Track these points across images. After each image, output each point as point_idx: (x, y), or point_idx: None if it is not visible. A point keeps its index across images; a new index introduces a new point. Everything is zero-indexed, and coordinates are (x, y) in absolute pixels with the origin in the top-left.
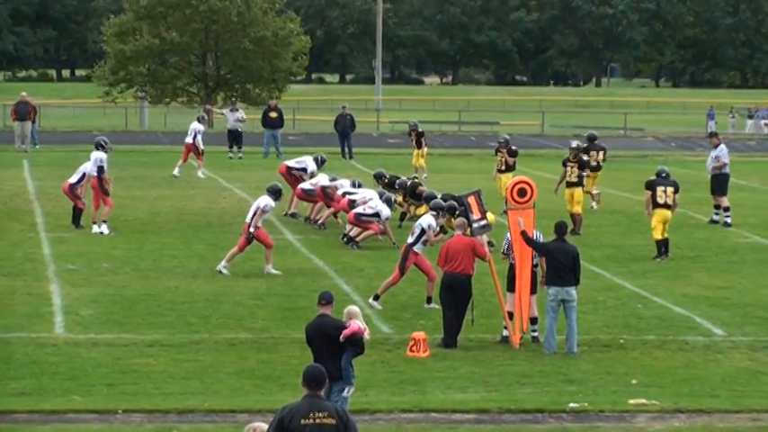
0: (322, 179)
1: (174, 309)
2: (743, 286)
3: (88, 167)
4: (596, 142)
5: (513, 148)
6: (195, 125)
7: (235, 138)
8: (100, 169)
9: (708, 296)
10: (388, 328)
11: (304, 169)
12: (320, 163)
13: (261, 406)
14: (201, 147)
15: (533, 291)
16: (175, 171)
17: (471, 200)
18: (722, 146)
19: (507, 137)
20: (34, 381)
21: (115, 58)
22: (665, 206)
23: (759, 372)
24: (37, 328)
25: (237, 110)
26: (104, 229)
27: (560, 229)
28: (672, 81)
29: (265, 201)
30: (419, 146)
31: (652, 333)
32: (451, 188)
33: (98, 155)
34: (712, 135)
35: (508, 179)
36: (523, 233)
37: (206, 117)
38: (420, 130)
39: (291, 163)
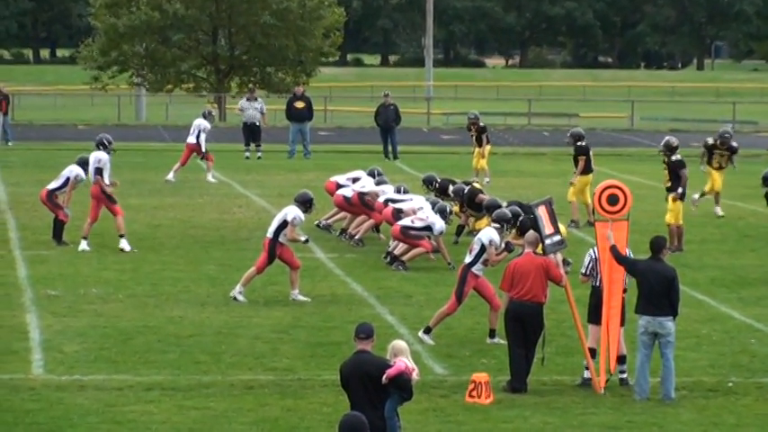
0: (368, 184)
1: (179, 344)
2: None
3: (74, 171)
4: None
5: (580, 144)
6: (200, 122)
7: (252, 133)
8: (98, 171)
9: None
10: (443, 368)
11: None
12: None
13: None
14: (204, 147)
15: (621, 323)
16: (170, 175)
17: (542, 210)
18: None
19: (577, 131)
20: None
21: (106, 36)
22: None
23: None
24: (10, 368)
25: (256, 99)
26: (125, 245)
27: (656, 245)
28: None
29: (294, 212)
30: (480, 143)
31: None
32: (519, 195)
33: (98, 155)
34: None
35: (583, 184)
36: (613, 248)
37: (213, 113)
38: (481, 123)
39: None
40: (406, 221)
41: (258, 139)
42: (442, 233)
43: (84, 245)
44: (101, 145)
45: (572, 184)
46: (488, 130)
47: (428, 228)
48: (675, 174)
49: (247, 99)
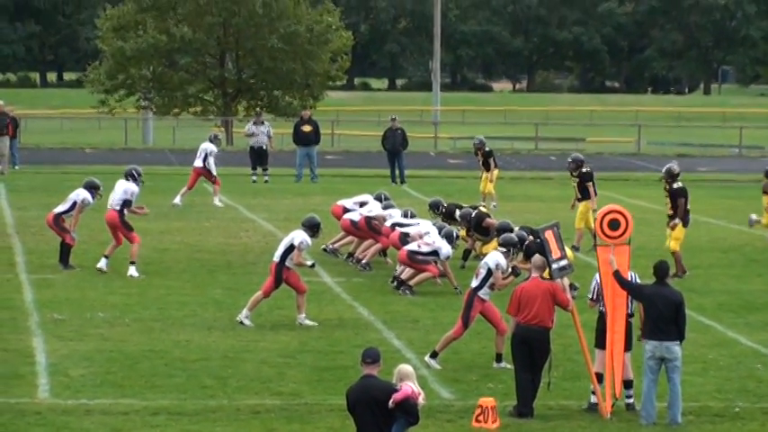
0: (375, 208)
1: (185, 368)
2: None
3: (81, 195)
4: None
5: (585, 170)
6: (206, 145)
7: (259, 157)
8: (126, 203)
9: None
10: (449, 392)
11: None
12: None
13: None
14: (215, 171)
15: (628, 347)
16: (176, 199)
17: (549, 235)
18: None
19: (580, 156)
20: None
21: (113, 59)
22: None
23: None
24: (16, 392)
25: (263, 123)
26: (133, 272)
27: (661, 270)
28: None
29: (301, 236)
30: (487, 168)
31: None
32: (526, 220)
33: (127, 186)
34: None
35: (587, 209)
36: (616, 273)
37: (219, 137)
38: (487, 148)
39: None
40: (412, 246)
41: (265, 162)
42: (448, 258)
43: (102, 263)
44: (130, 176)
45: (595, 211)
46: (495, 155)
47: (435, 252)
48: (675, 202)
49: (254, 123)
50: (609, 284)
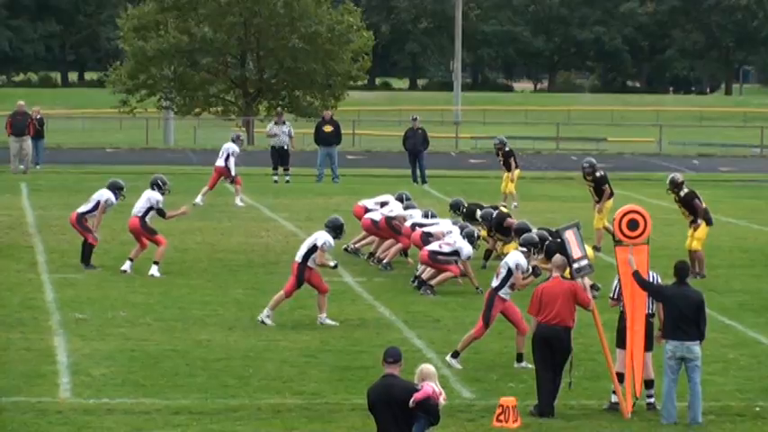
0: (396, 208)
1: (207, 368)
2: None
3: (104, 195)
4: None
5: (600, 174)
6: (229, 145)
7: (281, 157)
8: (159, 212)
9: None
10: (470, 392)
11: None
12: (403, 201)
13: None
14: (234, 171)
15: (648, 347)
16: (198, 199)
17: (570, 235)
18: None
19: (593, 161)
20: None
21: (134, 59)
22: None
23: None
24: (37, 391)
25: (284, 122)
26: (155, 271)
27: (681, 270)
28: None
29: (324, 237)
30: (508, 168)
31: None
32: (547, 220)
33: (151, 194)
34: None
35: (608, 208)
36: (636, 273)
37: (242, 137)
38: (508, 148)
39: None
40: (434, 246)
41: (286, 162)
42: (469, 258)
43: (126, 265)
44: (155, 185)
45: (600, 212)
46: (516, 155)
47: (456, 252)
48: (691, 207)
49: (275, 123)
50: (628, 284)
